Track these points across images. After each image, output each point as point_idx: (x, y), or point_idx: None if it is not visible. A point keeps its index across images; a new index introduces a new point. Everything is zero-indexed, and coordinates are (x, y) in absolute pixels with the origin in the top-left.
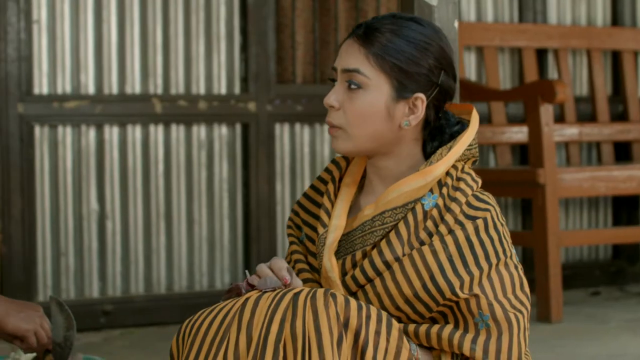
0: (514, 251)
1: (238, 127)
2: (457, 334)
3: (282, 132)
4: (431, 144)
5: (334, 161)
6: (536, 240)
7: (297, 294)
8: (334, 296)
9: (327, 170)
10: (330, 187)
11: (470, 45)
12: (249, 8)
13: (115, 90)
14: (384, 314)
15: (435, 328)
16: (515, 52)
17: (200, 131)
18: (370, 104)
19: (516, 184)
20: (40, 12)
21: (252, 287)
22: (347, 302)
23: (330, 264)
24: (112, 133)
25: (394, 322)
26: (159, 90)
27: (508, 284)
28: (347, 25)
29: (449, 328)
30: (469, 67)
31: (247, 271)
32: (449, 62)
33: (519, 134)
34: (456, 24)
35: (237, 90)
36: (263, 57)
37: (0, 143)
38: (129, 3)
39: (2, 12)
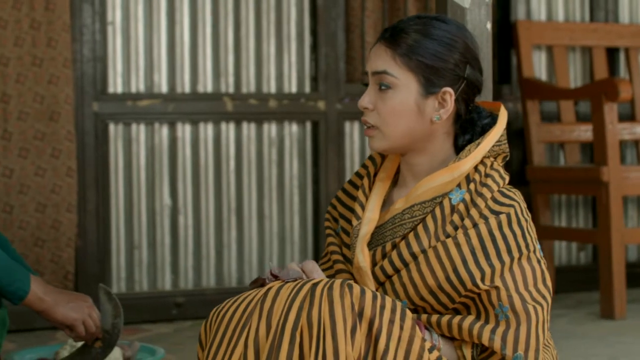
0: (538, 246)
1: (308, 125)
2: (477, 325)
3: (351, 130)
4: (463, 137)
5: (370, 157)
6: (600, 238)
7: (315, 285)
8: (350, 287)
9: (363, 165)
10: (365, 181)
11: (540, 44)
12: (318, 9)
13: (187, 89)
14: (399, 304)
15: (456, 319)
16: (586, 51)
17: (271, 129)
18: (400, 102)
19: (582, 181)
20: (115, 14)
21: (275, 277)
22: (362, 292)
23: (362, 255)
24: (184, 131)
25: (408, 312)
26: (231, 89)
27: (530, 277)
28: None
29: (469, 319)
30: (539, 67)
31: (271, 262)
32: (474, 57)
33: (588, 132)
34: (489, 26)
35: (307, 89)
36: (333, 57)
37: (76, 140)
38: (201, 5)
39: (78, 14)
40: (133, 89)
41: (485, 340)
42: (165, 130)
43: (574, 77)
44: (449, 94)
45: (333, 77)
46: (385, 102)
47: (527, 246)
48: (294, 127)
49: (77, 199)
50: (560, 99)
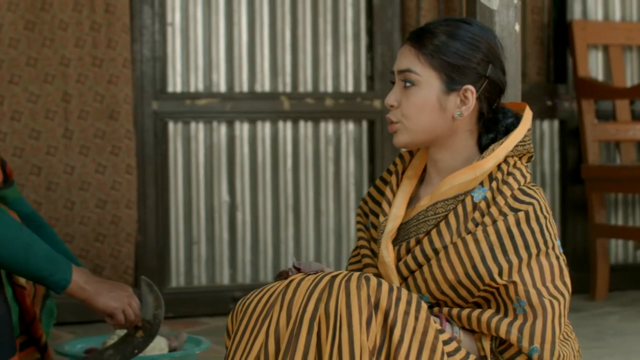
0: (557, 243)
1: (364, 124)
2: (496, 318)
3: None
4: (486, 135)
5: (400, 155)
6: None
7: (334, 277)
8: (367, 279)
9: (393, 163)
10: (393, 179)
11: (596, 44)
12: (374, 9)
13: (245, 88)
14: (414, 297)
15: (476, 312)
16: None
17: (327, 127)
18: (423, 98)
19: (638, 180)
20: (175, 15)
21: (298, 270)
22: (379, 285)
23: (387, 251)
24: (242, 129)
25: (423, 304)
26: (288, 89)
27: (547, 273)
28: None
29: (488, 312)
30: (595, 66)
31: (294, 256)
32: (497, 57)
33: None
34: (517, 27)
35: (363, 88)
36: (388, 56)
37: (136, 138)
38: (258, 6)
39: (138, 15)
40: (192, 89)
41: (502, 333)
42: (223, 129)
43: (630, 77)
44: (471, 92)
45: (389, 77)
46: (409, 99)
47: (545, 243)
48: (350, 126)
49: (136, 196)
50: (616, 98)
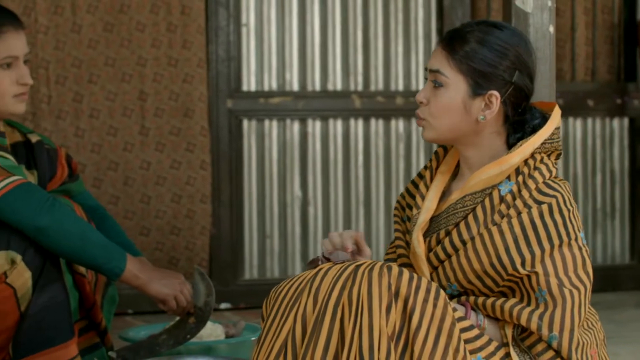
0: (580, 234)
1: None
2: (517, 307)
3: None
4: (513, 135)
5: (435, 152)
6: None
7: (358, 266)
8: (389, 268)
9: (430, 159)
10: (427, 174)
11: None
12: (445, 9)
13: (317, 87)
14: (434, 285)
15: (499, 301)
16: None
17: (398, 125)
18: (449, 99)
19: None
20: (249, 17)
21: (327, 259)
22: (400, 273)
23: (418, 242)
24: (314, 126)
25: (442, 292)
26: (359, 87)
27: (570, 263)
28: None
29: (511, 301)
30: None
31: (323, 246)
32: (525, 64)
33: None
34: (551, 29)
35: None
36: None
37: (211, 135)
38: (331, 6)
39: (214, 17)
40: (266, 87)
41: (523, 321)
42: (296, 126)
43: None
44: (495, 97)
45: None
46: (437, 98)
47: (568, 234)
48: None
49: (211, 191)
50: None
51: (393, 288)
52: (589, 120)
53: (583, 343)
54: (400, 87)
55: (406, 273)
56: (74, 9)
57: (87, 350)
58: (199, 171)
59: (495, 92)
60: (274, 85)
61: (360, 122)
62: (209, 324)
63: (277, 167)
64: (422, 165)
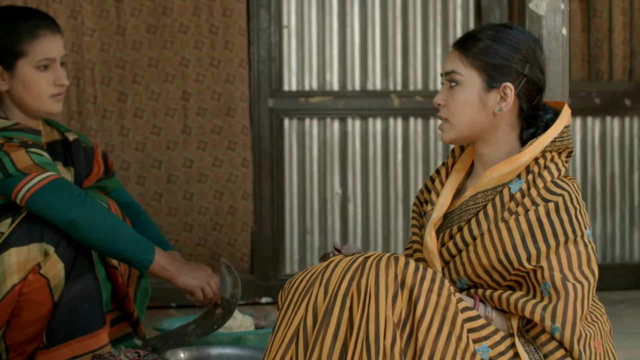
0: (586, 232)
1: None
2: (523, 299)
3: None
4: (527, 130)
5: (452, 150)
6: None
7: (367, 258)
8: (396, 259)
9: (447, 157)
10: (443, 171)
11: None
12: (482, 11)
13: (357, 87)
14: (438, 276)
15: (506, 294)
16: None
17: (436, 124)
18: (465, 96)
19: None
20: (290, 18)
21: (339, 252)
22: (406, 264)
23: (430, 237)
24: (354, 125)
25: (447, 282)
26: (398, 87)
27: (574, 259)
28: (581, 24)
29: (517, 294)
30: None
31: (335, 241)
32: (536, 57)
33: None
34: (564, 31)
35: None
36: None
37: (252, 134)
38: (370, 8)
39: (255, 18)
40: (306, 87)
41: (527, 313)
42: (336, 125)
43: None
44: (509, 89)
45: None
46: (454, 97)
47: (573, 231)
48: None
49: (252, 188)
50: None
51: (399, 278)
52: (627, 120)
53: (586, 335)
54: (439, 87)
55: (412, 264)
56: (119, 12)
57: (120, 340)
58: (241, 169)
59: (509, 84)
60: (315, 85)
61: (399, 121)
62: (239, 316)
63: (317, 164)
64: None
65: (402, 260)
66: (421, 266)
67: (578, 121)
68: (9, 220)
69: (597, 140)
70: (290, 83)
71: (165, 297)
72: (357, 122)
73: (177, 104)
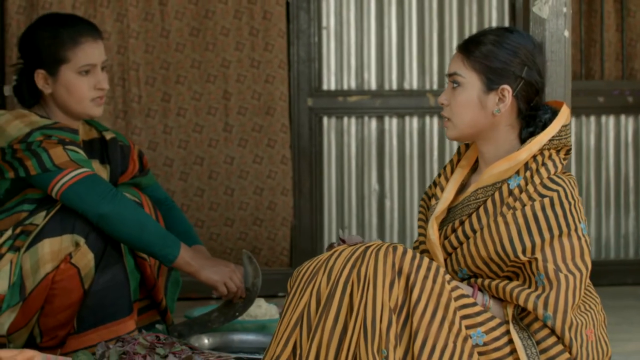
0: (580, 226)
1: None
2: (518, 289)
3: None
4: (526, 129)
5: (458, 148)
6: None
7: (368, 247)
8: (394, 249)
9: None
10: (448, 168)
11: None
12: (517, 12)
13: (394, 86)
14: (434, 264)
15: (502, 283)
16: None
17: None
18: (466, 97)
19: None
20: (329, 20)
21: (343, 242)
22: (403, 253)
23: (432, 230)
24: (391, 124)
25: (442, 270)
26: (434, 86)
27: (568, 252)
28: (615, 24)
29: (513, 284)
30: None
31: (340, 231)
32: (533, 60)
33: None
34: (566, 34)
35: None
36: None
37: (292, 132)
38: (407, 9)
39: (295, 20)
40: (345, 86)
41: (521, 301)
42: (373, 123)
43: None
44: (507, 91)
45: None
46: (456, 98)
47: (567, 225)
48: None
49: (292, 184)
50: None
51: (397, 266)
52: None
53: (577, 323)
54: None
55: (409, 253)
56: (163, 15)
57: (148, 327)
58: (280, 165)
59: (507, 87)
60: (353, 85)
61: (435, 120)
62: (264, 305)
63: (355, 161)
64: None
65: (400, 249)
66: (418, 255)
67: (612, 119)
68: (43, 213)
69: (630, 138)
70: (329, 83)
71: (205, 288)
72: (394, 120)
73: (219, 103)
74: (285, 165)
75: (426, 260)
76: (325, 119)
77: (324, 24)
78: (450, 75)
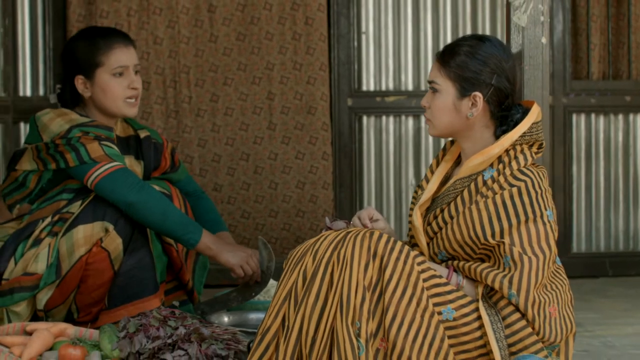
0: (546, 212)
1: None
2: (486, 270)
3: (578, 121)
4: (500, 128)
5: (445, 144)
6: None
7: (349, 232)
8: (371, 234)
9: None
10: (434, 162)
11: None
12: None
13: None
14: (406, 248)
15: (474, 265)
16: None
17: None
18: (442, 102)
19: None
20: (368, 25)
21: (329, 228)
22: (379, 238)
23: (416, 217)
24: None
25: (412, 253)
26: None
27: (534, 236)
28: None
29: (482, 265)
30: None
31: (327, 217)
32: (503, 69)
33: None
34: (544, 40)
35: None
36: (559, 60)
37: (333, 130)
38: (442, 15)
39: (336, 26)
40: (383, 87)
41: (489, 281)
42: (410, 122)
43: None
44: (479, 97)
45: (560, 75)
46: (434, 102)
47: (533, 212)
48: None
49: (332, 178)
50: None
51: (372, 249)
52: None
53: (540, 301)
54: None
55: (384, 237)
56: (212, 21)
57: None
58: (321, 161)
59: (479, 94)
60: (391, 86)
61: None
62: None
63: (393, 158)
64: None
65: (376, 234)
66: (392, 239)
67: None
68: (78, 203)
69: None
70: (369, 84)
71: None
72: None
73: (263, 103)
74: (326, 161)
75: (399, 244)
76: (364, 118)
77: (364, 29)
78: (430, 82)
